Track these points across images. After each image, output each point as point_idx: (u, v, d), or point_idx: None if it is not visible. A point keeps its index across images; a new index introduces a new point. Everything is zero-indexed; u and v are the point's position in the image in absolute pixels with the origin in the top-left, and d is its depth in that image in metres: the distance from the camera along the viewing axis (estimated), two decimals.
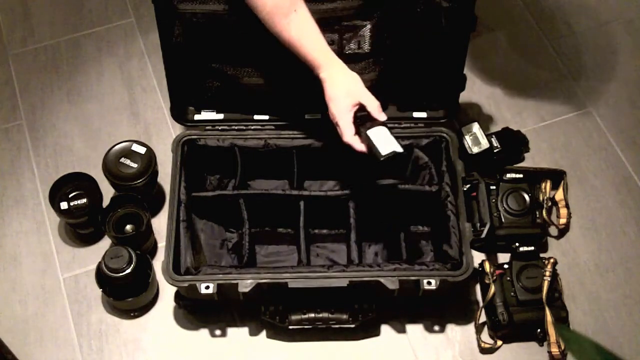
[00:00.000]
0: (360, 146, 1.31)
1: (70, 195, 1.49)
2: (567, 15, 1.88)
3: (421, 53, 1.42)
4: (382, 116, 1.31)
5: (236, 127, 1.49)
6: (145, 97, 1.75)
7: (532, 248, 1.45)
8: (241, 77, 1.43)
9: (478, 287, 1.49)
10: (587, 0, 1.90)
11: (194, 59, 1.42)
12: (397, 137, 1.32)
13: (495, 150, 1.59)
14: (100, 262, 1.39)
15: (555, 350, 1.40)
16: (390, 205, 1.47)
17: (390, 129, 1.33)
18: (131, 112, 1.73)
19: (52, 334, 1.47)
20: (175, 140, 1.47)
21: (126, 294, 1.42)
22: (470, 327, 1.47)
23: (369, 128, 1.31)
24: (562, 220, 1.55)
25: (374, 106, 1.31)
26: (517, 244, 1.45)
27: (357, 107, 1.31)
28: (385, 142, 1.31)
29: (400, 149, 1.31)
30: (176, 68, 1.44)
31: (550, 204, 1.55)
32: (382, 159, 1.30)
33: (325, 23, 1.34)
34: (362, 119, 1.32)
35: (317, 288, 1.33)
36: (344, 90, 1.30)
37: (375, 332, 1.46)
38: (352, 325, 1.39)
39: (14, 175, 1.65)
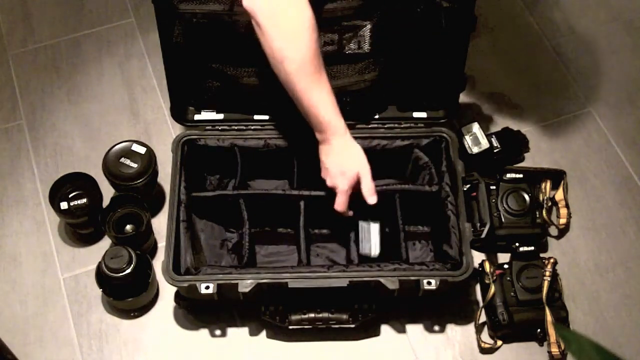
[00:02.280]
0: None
1: (70, 195, 1.48)
2: (567, 15, 1.88)
3: (421, 53, 1.42)
4: (372, 199, 1.34)
5: (236, 127, 1.49)
6: (145, 97, 1.75)
7: (532, 248, 1.45)
8: (241, 77, 1.43)
9: (478, 287, 1.49)
10: (587, 0, 1.91)
11: (194, 59, 1.42)
12: (384, 239, 1.40)
13: (495, 150, 1.59)
14: (100, 262, 1.38)
15: (555, 350, 1.40)
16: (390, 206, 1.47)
17: (382, 229, 1.41)
18: (131, 112, 1.73)
19: (52, 334, 1.47)
20: (175, 140, 1.47)
21: (126, 294, 1.42)
22: (470, 327, 1.47)
23: (363, 219, 1.41)
24: (562, 220, 1.55)
25: (368, 187, 1.34)
26: (517, 244, 1.45)
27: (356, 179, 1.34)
28: (368, 240, 1.41)
29: (376, 253, 1.40)
30: (176, 68, 1.44)
31: (550, 204, 1.55)
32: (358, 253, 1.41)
33: (325, 23, 1.34)
34: (360, 197, 1.35)
35: (317, 288, 1.33)
36: (358, 161, 1.34)
37: (375, 332, 1.46)
38: (352, 325, 1.38)
39: (14, 175, 1.65)
